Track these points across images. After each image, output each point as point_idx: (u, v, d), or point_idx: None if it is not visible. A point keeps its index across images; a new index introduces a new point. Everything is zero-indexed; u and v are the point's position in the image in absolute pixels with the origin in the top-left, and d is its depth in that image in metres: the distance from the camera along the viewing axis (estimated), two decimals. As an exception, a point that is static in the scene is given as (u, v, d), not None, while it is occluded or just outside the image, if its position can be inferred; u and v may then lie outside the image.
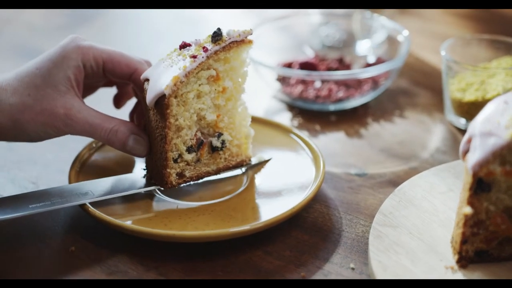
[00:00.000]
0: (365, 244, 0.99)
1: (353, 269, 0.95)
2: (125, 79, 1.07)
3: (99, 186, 1.03)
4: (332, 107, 1.33)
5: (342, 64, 1.44)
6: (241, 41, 1.03)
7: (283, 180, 1.08)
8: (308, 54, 1.50)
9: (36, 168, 1.17)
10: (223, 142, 1.07)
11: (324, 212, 1.06)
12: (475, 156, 0.87)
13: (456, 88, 1.25)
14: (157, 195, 1.05)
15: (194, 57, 1.00)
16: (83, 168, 1.09)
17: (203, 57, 1.00)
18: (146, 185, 1.05)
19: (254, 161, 1.12)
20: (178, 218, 1.00)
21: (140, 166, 1.11)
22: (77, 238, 1.00)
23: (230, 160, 1.09)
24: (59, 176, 1.13)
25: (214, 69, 1.03)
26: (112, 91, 1.16)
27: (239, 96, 1.07)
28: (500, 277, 0.90)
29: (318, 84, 1.36)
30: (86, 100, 1.09)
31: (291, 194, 1.04)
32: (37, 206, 0.97)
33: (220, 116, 1.06)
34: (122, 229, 0.97)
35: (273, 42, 1.52)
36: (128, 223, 0.97)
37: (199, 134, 1.05)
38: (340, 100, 1.33)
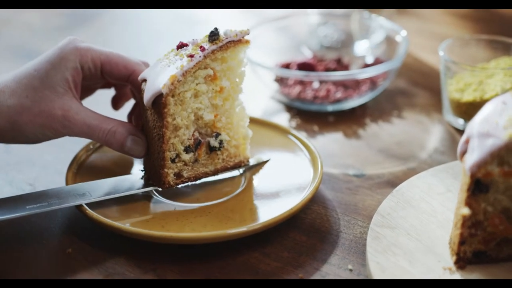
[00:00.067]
0: (363, 245, 0.99)
1: (351, 270, 0.95)
2: (123, 80, 1.07)
3: (97, 187, 1.03)
4: (330, 108, 1.33)
5: (340, 65, 1.44)
6: (238, 41, 1.03)
7: (281, 181, 1.08)
8: (306, 55, 1.50)
9: (34, 169, 1.17)
10: (221, 142, 1.07)
11: (322, 213, 1.06)
12: (473, 157, 0.87)
13: (455, 89, 1.25)
14: (154, 196, 1.05)
15: (191, 56, 1.00)
16: (81, 169, 1.09)
17: (200, 57, 1.00)
18: (144, 186, 1.05)
19: (252, 162, 1.12)
20: (176, 219, 1.00)
21: (138, 168, 1.11)
22: (74, 239, 1.00)
23: (228, 161, 1.09)
24: (57, 178, 1.13)
25: (211, 69, 1.03)
26: (110, 92, 1.16)
27: (236, 96, 1.07)
28: (498, 278, 0.90)
29: (316, 84, 1.36)
30: (84, 102, 1.09)
31: (289, 195, 1.04)
32: (34, 207, 0.97)
33: (217, 116, 1.06)
34: (119, 231, 0.96)
35: (271, 42, 1.52)
36: (125, 225, 0.97)
37: (196, 134, 1.05)
38: (338, 100, 1.33)
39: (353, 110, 1.34)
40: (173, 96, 1.00)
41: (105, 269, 0.95)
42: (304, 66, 1.40)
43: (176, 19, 1.78)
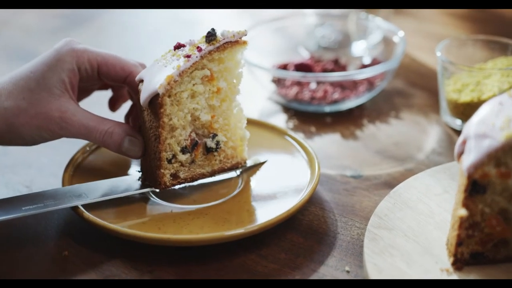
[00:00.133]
0: (361, 246, 0.99)
1: (348, 272, 0.95)
2: (120, 82, 1.07)
3: (93, 189, 1.03)
4: (328, 109, 1.33)
5: (338, 65, 1.44)
6: (235, 42, 1.03)
7: (278, 183, 1.08)
8: (304, 55, 1.50)
9: (30, 172, 1.17)
10: (217, 143, 1.06)
11: (319, 214, 1.06)
12: (470, 158, 0.87)
13: (452, 89, 1.25)
14: (151, 198, 1.05)
15: (188, 56, 1.00)
16: (77, 171, 1.09)
17: (197, 57, 1.00)
18: (141, 187, 1.05)
19: (249, 163, 1.12)
20: (173, 221, 0.99)
21: (135, 169, 1.10)
22: (70, 242, 1.00)
23: (225, 162, 1.09)
24: (53, 180, 1.13)
25: (208, 69, 1.02)
26: (107, 94, 1.16)
27: (233, 97, 1.07)
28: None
29: (313, 85, 1.36)
30: (81, 103, 1.09)
31: (286, 196, 1.04)
32: (29, 208, 0.97)
33: (214, 117, 1.05)
34: (116, 233, 0.96)
35: (268, 43, 1.52)
36: (122, 227, 0.97)
37: (193, 135, 1.05)
38: (335, 101, 1.33)
39: (350, 111, 1.34)
40: (169, 96, 1.00)
41: (101, 271, 0.95)
42: (301, 67, 1.40)
43: (173, 20, 1.78)
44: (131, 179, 1.07)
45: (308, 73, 1.36)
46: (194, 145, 1.05)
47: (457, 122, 1.26)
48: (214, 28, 1.02)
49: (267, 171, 1.11)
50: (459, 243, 0.90)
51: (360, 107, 1.35)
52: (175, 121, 1.01)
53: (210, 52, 1.01)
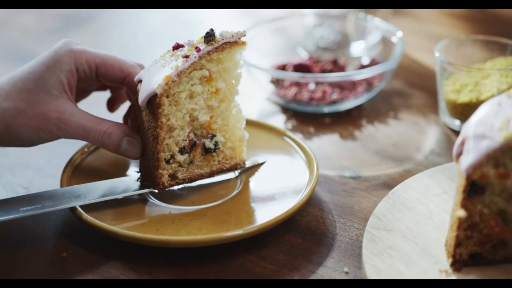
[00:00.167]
0: (359, 247, 0.98)
1: (346, 273, 0.95)
2: (119, 82, 1.07)
3: (92, 190, 1.03)
4: (326, 109, 1.33)
5: (336, 66, 1.44)
6: (234, 42, 1.03)
7: (277, 184, 1.07)
8: (302, 56, 1.50)
9: (28, 173, 1.16)
10: (216, 144, 1.06)
11: (318, 215, 1.05)
12: (468, 158, 0.87)
13: (451, 89, 1.25)
14: (149, 199, 1.05)
15: (187, 57, 1.00)
16: (75, 172, 1.09)
17: (195, 57, 1.00)
18: (140, 188, 1.05)
19: (247, 164, 1.11)
20: (171, 223, 0.99)
21: (133, 170, 1.10)
22: (68, 243, 0.99)
23: (224, 163, 1.08)
24: (52, 181, 1.13)
25: (207, 70, 1.02)
26: (106, 95, 1.16)
27: (232, 97, 1.06)
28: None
29: (312, 86, 1.36)
30: (80, 104, 1.09)
31: (284, 197, 1.04)
32: (28, 209, 0.97)
33: (213, 118, 1.05)
34: (114, 235, 0.96)
35: (267, 44, 1.52)
36: (120, 228, 0.97)
37: (192, 135, 1.05)
38: (334, 102, 1.33)
39: (349, 112, 1.34)
40: (167, 96, 1.00)
41: (100, 273, 0.95)
42: (300, 68, 1.40)
43: (173, 20, 1.78)
44: (130, 180, 1.07)
45: (307, 73, 1.36)
46: (193, 145, 1.05)
47: (455, 123, 1.26)
48: (213, 29, 1.02)
49: (265, 172, 1.11)
50: (458, 244, 0.90)
51: (358, 108, 1.35)
52: (173, 122, 1.01)
53: (208, 53, 1.01)
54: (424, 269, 0.90)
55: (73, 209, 0.99)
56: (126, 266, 0.95)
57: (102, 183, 1.05)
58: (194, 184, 1.07)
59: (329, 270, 0.95)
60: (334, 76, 1.31)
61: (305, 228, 1.03)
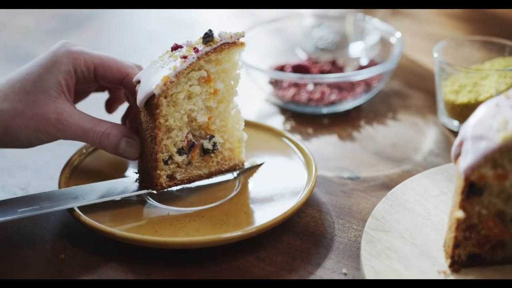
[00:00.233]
0: (358, 249, 0.98)
1: (345, 274, 0.95)
2: (117, 84, 1.07)
3: (90, 191, 1.03)
4: (325, 110, 1.33)
5: (335, 67, 1.44)
6: (233, 43, 1.03)
7: (275, 185, 1.07)
8: (301, 57, 1.50)
9: (26, 174, 1.16)
10: (214, 145, 1.06)
11: (317, 216, 1.05)
12: (466, 159, 0.87)
13: (449, 90, 1.25)
14: (148, 201, 1.05)
15: (185, 57, 1.00)
16: (74, 173, 1.09)
17: (193, 58, 1.00)
18: (138, 189, 1.05)
19: (246, 165, 1.11)
20: (169, 224, 0.99)
21: (132, 171, 1.10)
22: (67, 245, 0.99)
23: (223, 164, 1.08)
24: (50, 182, 1.13)
25: (205, 70, 1.02)
26: (104, 96, 1.16)
27: (231, 98, 1.06)
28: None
29: (310, 87, 1.36)
30: (78, 105, 1.09)
31: (283, 198, 1.04)
32: (25, 210, 0.97)
33: (211, 118, 1.05)
34: (112, 236, 0.96)
35: (266, 44, 1.52)
36: (119, 230, 0.97)
37: (190, 136, 1.04)
38: (332, 103, 1.33)
39: (347, 113, 1.34)
40: (165, 97, 1.00)
41: (98, 274, 0.94)
42: (298, 68, 1.40)
43: (172, 20, 1.78)
44: (128, 181, 1.07)
45: (305, 74, 1.36)
46: (191, 146, 1.05)
47: (454, 123, 1.26)
48: (211, 29, 1.02)
49: (264, 173, 1.11)
50: (456, 245, 0.90)
51: (357, 109, 1.35)
52: (171, 122, 1.01)
53: (207, 53, 1.01)
54: (422, 270, 0.90)
55: (71, 210, 0.99)
56: (124, 267, 0.95)
57: (100, 184, 1.05)
58: (192, 185, 1.07)
59: (327, 271, 0.95)
60: (333, 77, 1.31)
61: (304, 229, 1.03)
